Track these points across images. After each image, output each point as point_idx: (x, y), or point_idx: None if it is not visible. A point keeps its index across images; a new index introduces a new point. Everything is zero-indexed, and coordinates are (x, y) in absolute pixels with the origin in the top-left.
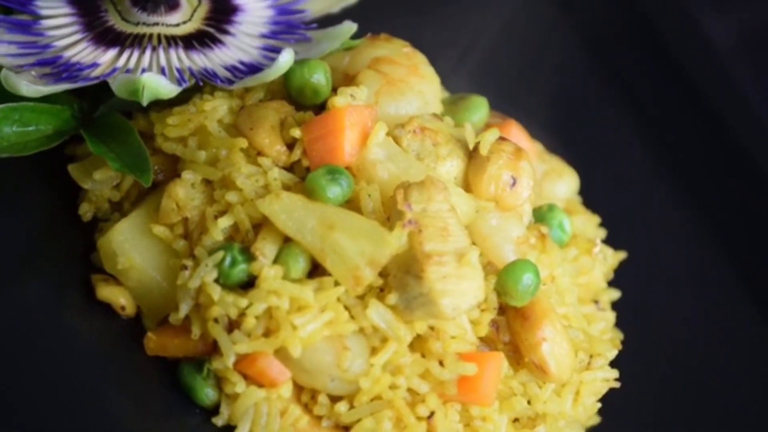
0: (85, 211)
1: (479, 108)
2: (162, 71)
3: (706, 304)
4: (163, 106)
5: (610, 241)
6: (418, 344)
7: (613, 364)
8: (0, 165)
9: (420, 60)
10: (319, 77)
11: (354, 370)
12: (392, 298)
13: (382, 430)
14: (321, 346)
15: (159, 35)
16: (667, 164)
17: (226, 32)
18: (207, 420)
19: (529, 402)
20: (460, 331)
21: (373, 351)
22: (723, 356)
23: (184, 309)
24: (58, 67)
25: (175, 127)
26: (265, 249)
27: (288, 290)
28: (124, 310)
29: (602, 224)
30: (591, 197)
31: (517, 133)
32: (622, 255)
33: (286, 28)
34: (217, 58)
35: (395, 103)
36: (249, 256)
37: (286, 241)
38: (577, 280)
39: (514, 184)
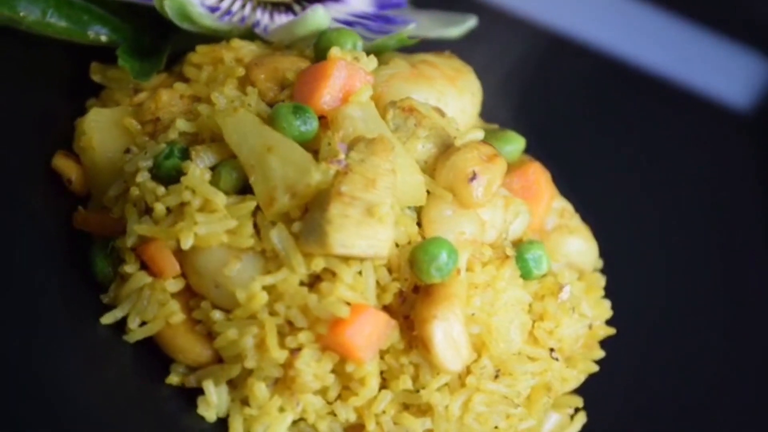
0: (91, 104)
1: (511, 141)
2: (214, 9)
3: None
4: None
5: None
6: (316, 287)
7: None
8: (40, 44)
9: (465, 77)
10: (347, 44)
11: (235, 280)
12: (297, 225)
13: (242, 344)
14: (216, 251)
15: None
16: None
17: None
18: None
19: (419, 391)
20: (360, 285)
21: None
22: None
23: (113, 189)
24: None
25: (201, 55)
26: (204, 153)
27: (204, 191)
28: (70, 184)
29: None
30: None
31: (535, 172)
32: (610, 330)
33: (366, 22)
34: (278, 20)
35: (407, 87)
36: (187, 156)
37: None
38: (543, 325)
39: (473, 179)
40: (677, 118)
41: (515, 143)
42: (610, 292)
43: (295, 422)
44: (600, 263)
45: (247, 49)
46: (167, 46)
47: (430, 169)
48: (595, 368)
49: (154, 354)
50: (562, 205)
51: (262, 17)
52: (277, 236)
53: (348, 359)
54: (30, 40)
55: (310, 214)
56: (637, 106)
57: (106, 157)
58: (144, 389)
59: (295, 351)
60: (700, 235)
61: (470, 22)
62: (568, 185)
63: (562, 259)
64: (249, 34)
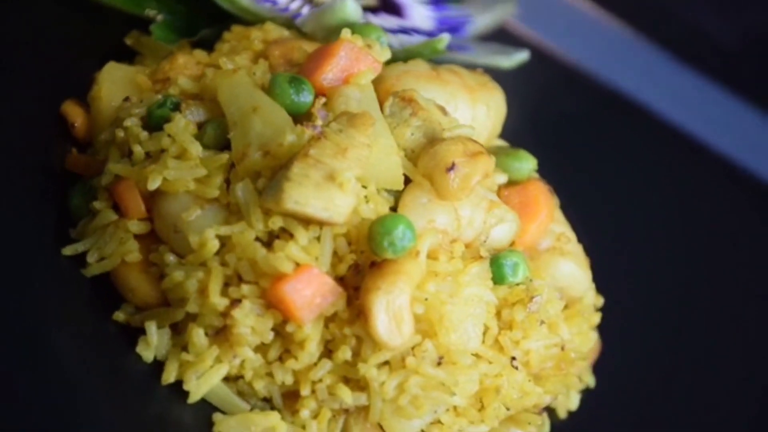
0: None
1: (521, 159)
2: None
3: None
4: None
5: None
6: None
7: None
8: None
9: (487, 92)
10: (370, 37)
11: (192, 226)
12: (262, 182)
13: (186, 287)
14: (182, 196)
15: None
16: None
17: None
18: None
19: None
20: (314, 250)
21: None
22: None
23: (105, 134)
24: None
25: (235, 33)
26: (195, 108)
27: (183, 139)
28: (73, 128)
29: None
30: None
31: (536, 189)
32: (586, 357)
33: (414, 34)
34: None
35: (418, 84)
36: (178, 109)
37: None
38: (510, 334)
39: (451, 169)
40: (700, 173)
41: (525, 161)
42: (605, 326)
43: (234, 379)
44: (600, 301)
45: (277, 32)
46: (211, 28)
47: (416, 157)
48: (563, 392)
49: (109, 292)
50: (562, 230)
51: (303, 7)
52: (242, 190)
53: (287, 317)
54: (88, 6)
55: (278, 174)
56: (666, 161)
57: (111, 107)
58: (91, 324)
59: (236, 301)
60: (707, 287)
61: (522, 55)
62: (581, 220)
63: (549, 280)
64: (288, 23)
